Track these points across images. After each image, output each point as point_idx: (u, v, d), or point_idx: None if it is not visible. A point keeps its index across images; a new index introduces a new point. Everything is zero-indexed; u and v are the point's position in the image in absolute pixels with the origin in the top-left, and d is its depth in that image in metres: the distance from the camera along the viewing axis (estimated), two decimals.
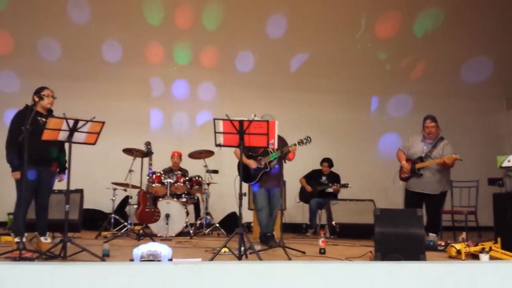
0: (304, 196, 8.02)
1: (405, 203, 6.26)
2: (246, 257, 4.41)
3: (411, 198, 6.13)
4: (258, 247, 4.92)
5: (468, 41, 9.12)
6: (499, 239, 4.81)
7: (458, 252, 4.73)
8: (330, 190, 7.90)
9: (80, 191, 6.68)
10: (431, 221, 6.03)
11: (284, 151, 5.58)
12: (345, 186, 7.86)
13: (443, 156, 5.91)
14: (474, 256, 4.65)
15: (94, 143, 4.51)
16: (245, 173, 5.63)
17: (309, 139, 5.52)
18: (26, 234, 4.48)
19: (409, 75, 9.38)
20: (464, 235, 5.91)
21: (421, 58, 9.37)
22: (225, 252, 4.55)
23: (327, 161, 8.09)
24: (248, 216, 7.04)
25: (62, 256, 4.11)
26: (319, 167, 8.13)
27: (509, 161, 5.34)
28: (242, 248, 4.31)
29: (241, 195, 4.48)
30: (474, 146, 8.95)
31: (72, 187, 4.49)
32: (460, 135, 8.60)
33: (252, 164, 5.70)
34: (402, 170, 6.21)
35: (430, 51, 9.25)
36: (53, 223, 5.71)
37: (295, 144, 5.50)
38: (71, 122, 4.27)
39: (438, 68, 9.28)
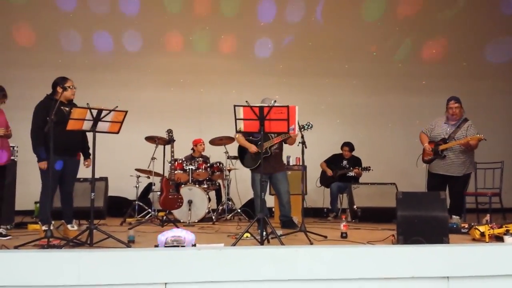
0: (325, 180, 8.02)
1: (428, 186, 6.21)
2: (268, 242, 4.45)
3: (434, 181, 6.07)
4: (280, 232, 4.95)
5: (491, 20, 8.91)
6: None
7: (482, 234, 4.68)
8: (351, 174, 7.87)
9: (105, 179, 6.81)
10: (455, 203, 5.98)
11: (285, 137, 5.60)
12: (367, 169, 7.82)
13: (467, 137, 5.84)
14: (498, 238, 4.60)
15: (117, 132, 4.58)
16: (247, 158, 5.66)
17: (310, 125, 5.44)
18: (53, 222, 4.60)
19: (432, 57, 9.21)
20: (488, 217, 5.83)
21: (442, 39, 9.19)
22: (247, 237, 4.60)
23: (348, 145, 8.05)
24: (269, 201, 7.08)
25: (88, 243, 4.20)
26: (339, 152, 8.10)
27: None
28: (264, 233, 4.35)
29: (262, 180, 4.50)
30: (498, 127, 8.80)
31: (97, 175, 4.57)
32: (484, 116, 8.46)
33: (253, 148, 5.70)
34: (425, 152, 6.15)
35: (452, 31, 9.09)
36: (79, 211, 5.86)
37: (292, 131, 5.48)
38: (94, 112, 4.34)
39: (461, 49, 9.11)
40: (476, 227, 4.83)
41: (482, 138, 5.71)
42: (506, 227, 4.70)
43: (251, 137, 5.81)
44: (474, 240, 4.75)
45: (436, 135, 6.09)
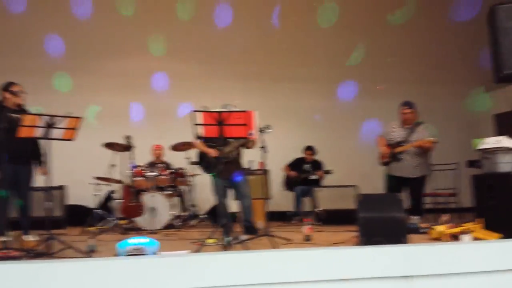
0: (288, 184, 8.08)
1: (386, 188, 6.35)
2: (232, 247, 4.45)
3: (391, 183, 6.23)
4: (244, 236, 4.95)
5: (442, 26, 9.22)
6: (479, 220, 4.92)
7: (440, 233, 4.83)
8: (314, 177, 7.97)
9: (61, 188, 6.64)
10: (413, 204, 6.13)
11: (243, 141, 5.60)
12: (329, 172, 7.94)
13: (420, 140, 6.02)
14: (456, 237, 4.75)
15: (73, 139, 4.46)
16: (206, 163, 5.65)
17: (269, 127, 5.40)
18: (12, 233, 4.44)
19: (386, 62, 9.41)
20: (446, 217, 6.02)
21: (396, 45, 9.40)
22: (211, 243, 4.57)
23: (310, 149, 8.15)
24: (233, 206, 7.07)
25: (48, 253, 4.08)
26: (301, 155, 8.18)
27: (485, 143, 5.43)
28: (228, 239, 4.34)
29: (225, 186, 4.49)
30: (453, 129, 9.09)
31: (54, 184, 4.45)
32: (439, 120, 8.71)
33: (213, 153, 5.61)
34: (382, 156, 6.31)
35: (405, 38, 9.32)
36: (37, 221, 5.66)
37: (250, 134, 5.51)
38: (46, 118, 4.21)
39: (416, 53, 9.36)
40: (434, 227, 4.98)
41: (433, 140, 5.90)
42: (462, 226, 4.86)
43: (210, 143, 5.75)
44: (433, 239, 4.89)
45: (392, 139, 6.26)
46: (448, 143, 8.74)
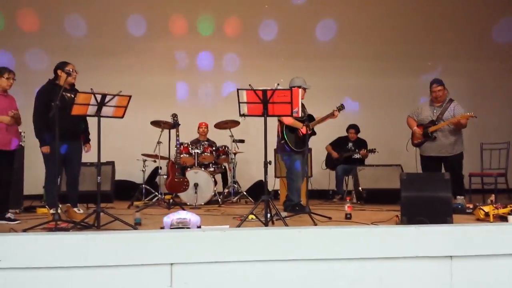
0: (330, 163, 8.04)
1: (422, 169, 6.20)
2: (273, 223, 4.50)
3: (427, 163, 6.10)
4: (284, 213, 4.99)
5: (499, 0, 8.79)
6: None
7: (486, 214, 4.70)
8: (357, 156, 7.89)
9: (111, 163, 6.89)
10: (455, 183, 5.97)
11: (326, 117, 5.66)
12: (372, 151, 7.83)
13: (456, 116, 5.85)
14: (503, 218, 4.62)
15: (122, 117, 4.60)
16: (294, 139, 5.60)
17: (343, 106, 5.67)
18: (60, 206, 4.66)
19: (438, 39, 9.10)
20: (492, 197, 5.84)
21: (449, 21, 9.06)
22: (252, 218, 4.65)
23: (354, 128, 8.05)
24: (274, 183, 7.13)
25: (95, 225, 4.27)
26: (345, 134, 8.10)
27: None
28: (268, 215, 4.39)
29: (266, 163, 4.52)
30: (504, 107, 8.74)
31: (103, 160, 4.62)
32: (490, 97, 8.41)
33: (304, 130, 5.54)
34: (415, 136, 6.18)
35: (459, 13, 8.97)
36: (87, 195, 5.94)
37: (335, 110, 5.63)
38: (98, 97, 4.37)
39: (468, 30, 9.00)
40: (481, 207, 4.85)
41: (472, 115, 5.76)
42: (510, 207, 4.71)
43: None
44: (479, 220, 4.78)
45: (424, 118, 6.12)
46: (499, 121, 8.43)
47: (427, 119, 6.09)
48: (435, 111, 6.07)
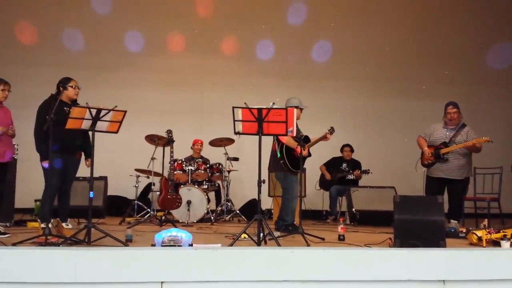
0: (324, 183, 8.03)
1: (426, 190, 6.21)
2: (265, 243, 4.47)
3: (433, 185, 6.09)
4: (277, 233, 4.96)
5: (493, 26, 8.93)
6: None
7: (479, 239, 4.69)
8: (351, 177, 7.90)
9: (104, 178, 6.84)
10: (454, 208, 5.99)
11: (320, 138, 5.70)
12: (366, 172, 7.85)
13: (471, 140, 5.87)
14: (496, 243, 4.60)
15: (116, 132, 4.59)
16: (293, 160, 5.54)
17: (333, 129, 5.71)
18: (51, 220, 4.61)
19: (432, 63, 9.21)
20: (486, 222, 5.85)
21: (444, 46, 9.18)
22: (244, 238, 4.61)
23: (349, 146, 8.09)
24: (268, 202, 7.10)
25: (86, 241, 4.21)
26: (339, 155, 8.12)
27: None
28: (261, 234, 4.36)
29: (260, 182, 4.51)
30: (497, 132, 8.73)
31: (96, 175, 4.59)
32: (484, 122, 8.46)
33: (299, 150, 5.45)
34: (424, 157, 6.17)
35: (453, 38, 9.10)
36: (78, 209, 5.87)
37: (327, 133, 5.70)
38: (93, 111, 4.36)
39: (462, 55, 9.12)
40: (474, 231, 4.84)
41: (488, 139, 5.78)
42: (503, 232, 4.70)
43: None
44: (472, 244, 4.76)
45: (436, 139, 6.13)
46: (493, 146, 8.46)
47: (439, 140, 6.11)
48: (447, 133, 6.09)
